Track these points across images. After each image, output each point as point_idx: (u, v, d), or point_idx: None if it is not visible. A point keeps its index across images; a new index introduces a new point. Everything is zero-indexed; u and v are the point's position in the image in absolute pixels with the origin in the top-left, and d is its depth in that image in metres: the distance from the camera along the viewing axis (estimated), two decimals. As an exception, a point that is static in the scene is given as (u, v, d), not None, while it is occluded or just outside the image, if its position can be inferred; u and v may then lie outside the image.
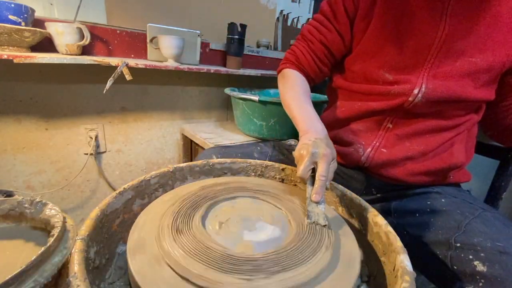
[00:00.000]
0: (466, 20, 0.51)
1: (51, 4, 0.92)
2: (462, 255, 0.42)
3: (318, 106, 1.00)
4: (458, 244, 0.44)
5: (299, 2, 1.60)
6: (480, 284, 0.39)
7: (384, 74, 0.57)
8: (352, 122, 0.63)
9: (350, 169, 0.65)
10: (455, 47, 0.52)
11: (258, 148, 0.68)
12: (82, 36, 0.85)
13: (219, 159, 0.58)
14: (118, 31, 0.98)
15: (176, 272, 0.30)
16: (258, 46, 1.43)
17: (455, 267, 0.43)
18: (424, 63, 0.54)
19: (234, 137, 1.07)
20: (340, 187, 0.51)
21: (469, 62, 0.51)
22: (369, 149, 0.60)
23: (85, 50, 0.91)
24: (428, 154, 0.57)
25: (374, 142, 0.60)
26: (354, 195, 0.48)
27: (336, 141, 0.65)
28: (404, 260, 0.32)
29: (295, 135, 1.01)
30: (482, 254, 0.40)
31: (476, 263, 0.40)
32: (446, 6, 0.51)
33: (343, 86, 0.65)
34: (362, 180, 0.64)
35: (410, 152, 0.57)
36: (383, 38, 0.57)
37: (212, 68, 1.08)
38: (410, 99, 0.54)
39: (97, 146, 1.06)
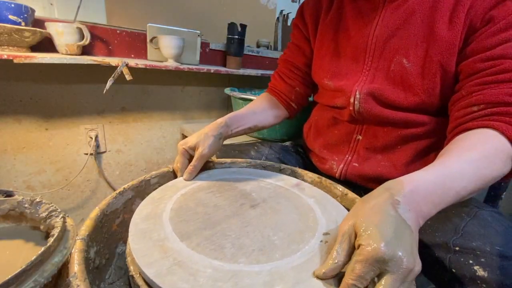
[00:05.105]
0: (395, 26, 0.51)
1: (51, 4, 0.92)
2: (462, 259, 0.42)
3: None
4: (457, 248, 0.43)
5: (299, 2, 1.60)
6: None
7: (327, 83, 0.60)
8: (325, 133, 0.65)
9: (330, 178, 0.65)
10: (387, 50, 0.52)
11: (255, 147, 0.70)
12: (82, 36, 0.85)
13: (219, 159, 0.58)
14: (118, 31, 0.98)
15: None
16: (258, 46, 1.43)
17: (453, 270, 0.43)
18: (362, 71, 0.55)
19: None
20: (340, 187, 0.51)
21: (401, 65, 0.50)
22: (341, 165, 0.60)
23: (85, 50, 0.91)
24: (400, 170, 0.55)
25: (347, 157, 0.60)
26: (354, 195, 0.48)
27: (314, 157, 0.68)
28: (404, 260, 0.32)
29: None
30: (482, 260, 0.40)
31: (476, 267, 0.40)
32: (377, 19, 0.53)
33: (316, 100, 0.70)
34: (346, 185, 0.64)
35: (380, 168, 0.56)
36: (324, 50, 0.61)
37: (212, 68, 1.08)
38: (351, 108, 0.55)
39: (97, 146, 1.06)
